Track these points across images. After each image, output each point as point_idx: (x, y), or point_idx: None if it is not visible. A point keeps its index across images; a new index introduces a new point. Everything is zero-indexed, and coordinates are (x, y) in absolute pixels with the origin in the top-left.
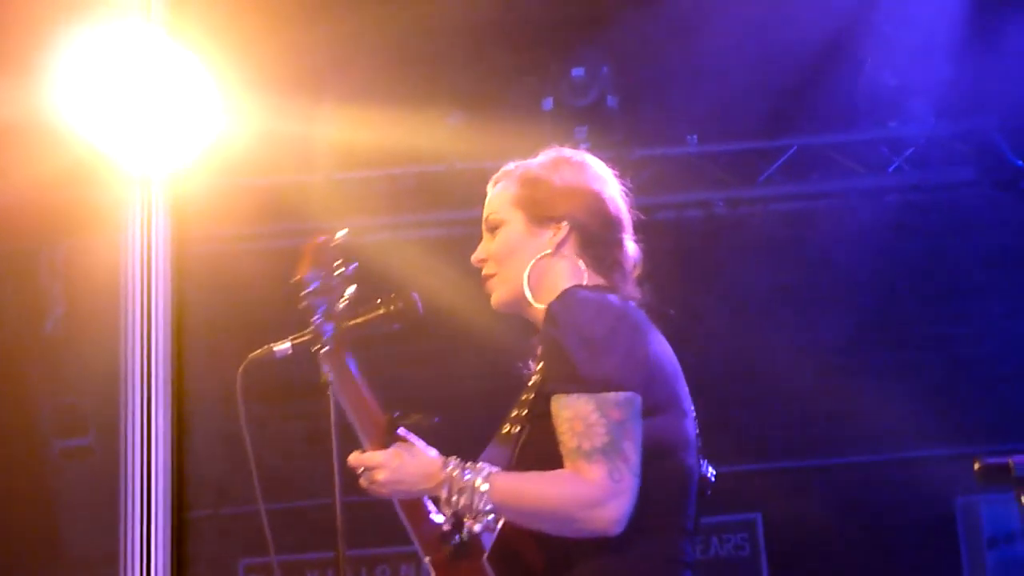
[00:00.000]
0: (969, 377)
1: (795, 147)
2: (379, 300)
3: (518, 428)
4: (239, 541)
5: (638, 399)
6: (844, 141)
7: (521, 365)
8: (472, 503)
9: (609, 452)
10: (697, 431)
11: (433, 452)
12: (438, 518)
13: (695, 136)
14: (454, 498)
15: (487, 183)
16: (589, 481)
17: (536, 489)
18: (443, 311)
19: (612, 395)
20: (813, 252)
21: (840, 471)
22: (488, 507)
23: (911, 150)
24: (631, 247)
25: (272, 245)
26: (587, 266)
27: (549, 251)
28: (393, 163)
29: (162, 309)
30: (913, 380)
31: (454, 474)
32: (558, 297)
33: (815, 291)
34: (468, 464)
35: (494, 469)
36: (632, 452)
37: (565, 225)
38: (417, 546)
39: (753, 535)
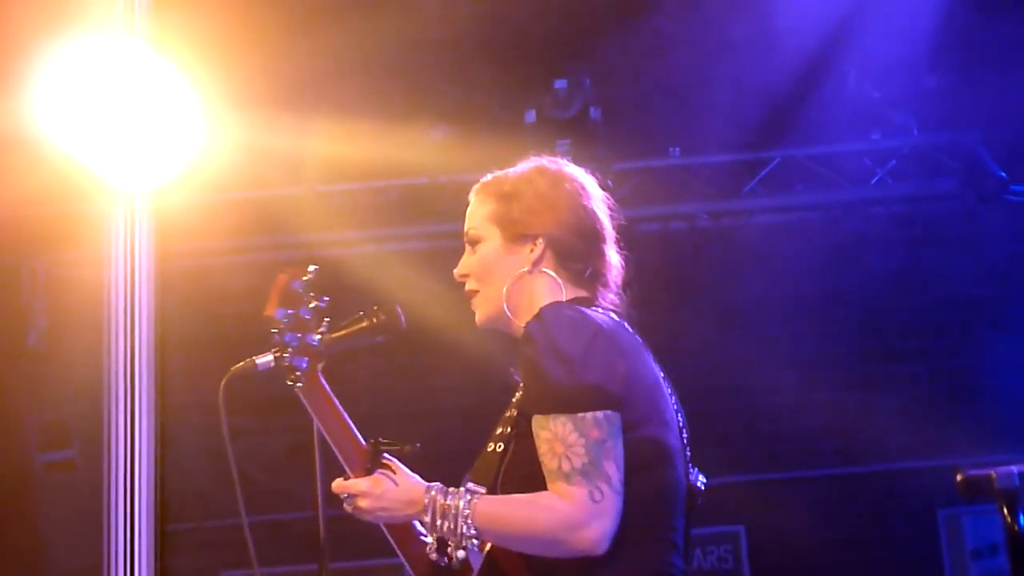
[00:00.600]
0: (951, 389)
1: (778, 159)
2: (362, 312)
3: (501, 447)
4: (221, 554)
5: (617, 416)
6: (827, 153)
7: (513, 371)
8: (456, 527)
9: (589, 473)
10: (685, 441)
11: (415, 478)
12: (426, 539)
13: (678, 148)
14: (438, 522)
15: (469, 195)
16: (570, 503)
17: (518, 513)
18: (426, 324)
19: (591, 415)
20: (796, 264)
21: (823, 483)
22: (472, 531)
23: (894, 162)
24: (614, 257)
25: (256, 258)
26: (566, 280)
27: (526, 269)
28: (376, 176)
29: (145, 323)
30: (895, 392)
31: (437, 499)
32: (535, 316)
33: (798, 303)
34: (451, 489)
35: (477, 493)
36: (613, 470)
37: (540, 242)
38: (407, 567)
39: (736, 547)
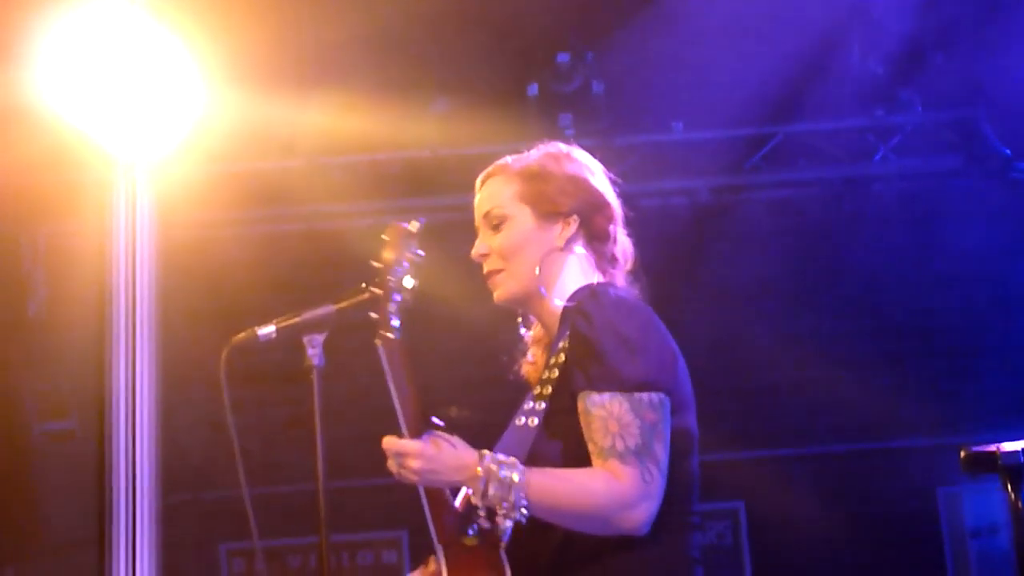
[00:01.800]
0: (952, 367)
1: (781, 135)
2: (364, 284)
3: (535, 421)
4: (221, 525)
5: (668, 400)
6: (830, 129)
7: (506, 359)
8: (508, 497)
9: (642, 454)
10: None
11: (465, 444)
12: (457, 507)
13: (680, 123)
14: (491, 492)
15: (472, 169)
16: (622, 482)
17: (571, 487)
18: (427, 297)
19: (647, 396)
20: (798, 240)
21: (823, 461)
22: (523, 503)
23: (898, 138)
24: (623, 239)
25: (256, 230)
26: (593, 262)
27: (559, 245)
28: (377, 149)
29: (146, 294)
30: (896, 370)
31: (491, 467)
32: (589, 294)
33: (799, 279)
34: (502, 459)
35: (527, 467)
36: (662, 454)
37: (575, 219)
38: (433, 533)
39: (736, 524)
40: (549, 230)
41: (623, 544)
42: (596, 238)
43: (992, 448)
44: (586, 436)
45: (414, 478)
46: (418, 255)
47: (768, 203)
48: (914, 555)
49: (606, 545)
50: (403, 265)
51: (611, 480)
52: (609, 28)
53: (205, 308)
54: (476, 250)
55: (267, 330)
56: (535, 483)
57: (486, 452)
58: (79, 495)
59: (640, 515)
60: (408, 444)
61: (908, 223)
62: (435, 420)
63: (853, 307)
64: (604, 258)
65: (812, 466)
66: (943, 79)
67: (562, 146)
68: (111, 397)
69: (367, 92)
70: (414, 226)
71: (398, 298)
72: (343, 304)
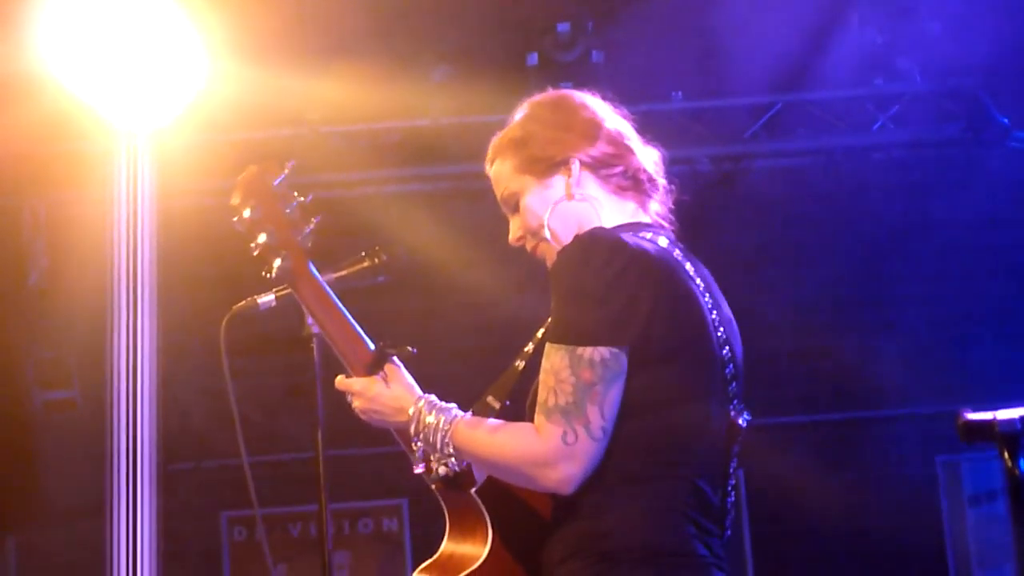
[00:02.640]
0: (951, 335)
1: (780, 104)
2: (363, 253)
3: (522, 364)
4: (222, 493)
5: (621, 358)
6: (829, 98)
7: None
8: (435, 443)
9: (569, 413)
10: (728, 376)
11: (411, 386)
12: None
13: (680, 93)
14: (420, 435)
15: (472, 138)
16: (542, 439)
17: (491, 440)
18: (427, 265)
19: (588, 351)
20: (797, 209)
21: (823, 428)
22: (449, 450)
23: (896, 108)
24: (644, 152)
25: None
26: (611, 192)
27: (570, 194)
28: (377, 118)
29: (147, 263)
30: (895, 338)
31: (423, 411)
32: (573, 240)
33: (798, 249)
34: (439, 404)
35: (460, 413)
36: (595, 415)
37: (575, 164)
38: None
39: (736, 491)
40: (553, 185)
41: (593, 493)
42: (604, 166)
43: (989, 416)
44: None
45: (363, 417)
46: (276, 192)
47: (768, 172)
48: (913, 522)
49: (576, 504)
50: (252, 203)
51: (532, 436)
52: None
53: (206, 277)
54: (511, 236)
55: (267, 299)
56: (460, 432)
57: (425, 396)
58: (81, 464)
59: (556, 474)
60: (351, 382)
61: (907, 192)
62: (393, 362)
63: (853, 276)
64: (626, 181)
65: (812, 434)
66: (942, 48)
67: (536, 96)
68: (112, 366)
69: (367, 61)
70: (258, 168)
71: (264, 233)
72: (342, 272)
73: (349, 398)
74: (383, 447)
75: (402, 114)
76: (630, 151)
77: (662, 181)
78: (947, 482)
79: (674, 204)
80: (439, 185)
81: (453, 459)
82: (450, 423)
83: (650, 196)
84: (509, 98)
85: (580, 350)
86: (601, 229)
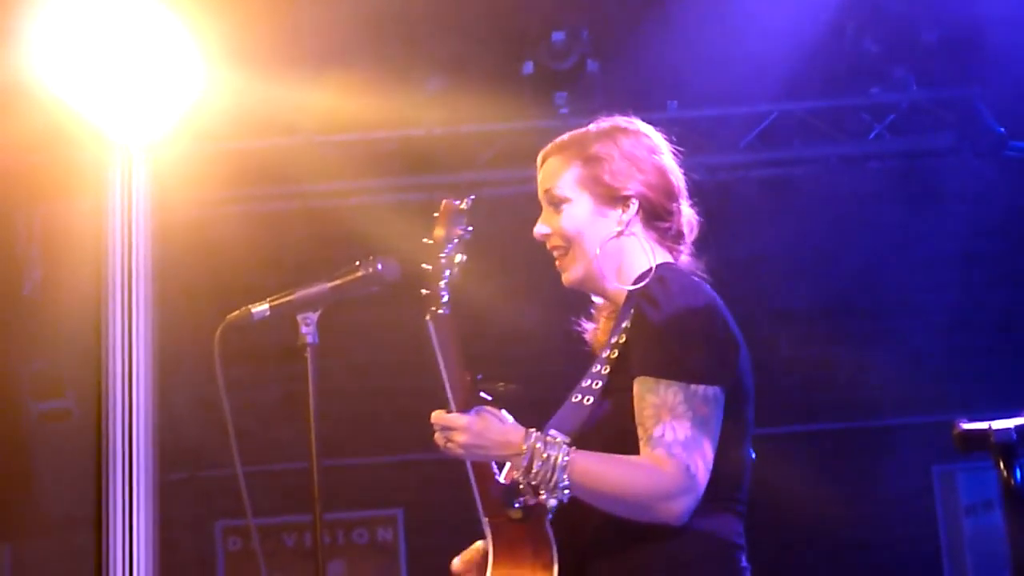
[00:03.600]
0: (947, 345)
1: (775, 113)
2: (358, 263)
3: (591, 400)
4: (217, 503)
5: (723, 396)
6: (825, 107)
7: (581, 324)
8: (551, 477)
9: (690, 447)
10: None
11: (514, 421)
12: (501, 480)
13: (675, 101)
14: (534, 469)
15: (467, 147)
16: (666, 473)
17: (615, 472)
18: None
19: (702, 389)
20: (793, 219)
21: (817, 438)
22: (565, 483)
23: (892, 117)
24: (687, 212)
25: (252, 209)
26: (654, 240)
27: (616, 230)
28: (372, 127)
29: (142, 273)
30: (891, 348)
31: (536, 446)
32: (657, 279)
33: (794, 258)
34: (549, 438)
35: (573, 447)
36: (710, 450)
37: (633, 203)
38: (479, 506)
39: None
40: (608, 215)
41: (667, 528)
42: (656, 217)
43: (984, 426)
44: (637, 420)
45: (460, 452)
46: (467, 231)
47: (763, 181)
48: (909, 532)
49: (649, 529)
50: (453, 242)
51: (655, 470)
52: (604, 6)
53: (201, 287)
54: (537, 229)
55: (261, 308)
56: (579, 465)
57: (533, 430)
58: (76, 474)
59: (679, 507)
60: (455, 418)
61: (903, 201)
62: (483, 395)
63: (848, 285)
64: (667, 235)
65: (807, 444)
66: (938, 57)
67: (621, 122)
68: (107, 376)
69: (362, 71)
70: (465, 203)
71: (448, 274)
72: (337, 282)
73: (442, 432)
74: (378, 457)
75: (397, 123)
76: (680, 210)
77: (692, 239)
78: (943, 492)
79: None
80: (434, 194)
81: (568, 492)
82: (567, 456)
83: (682, 252)
84: (504, 107)
85: (694, 387)
86: (681, 270)
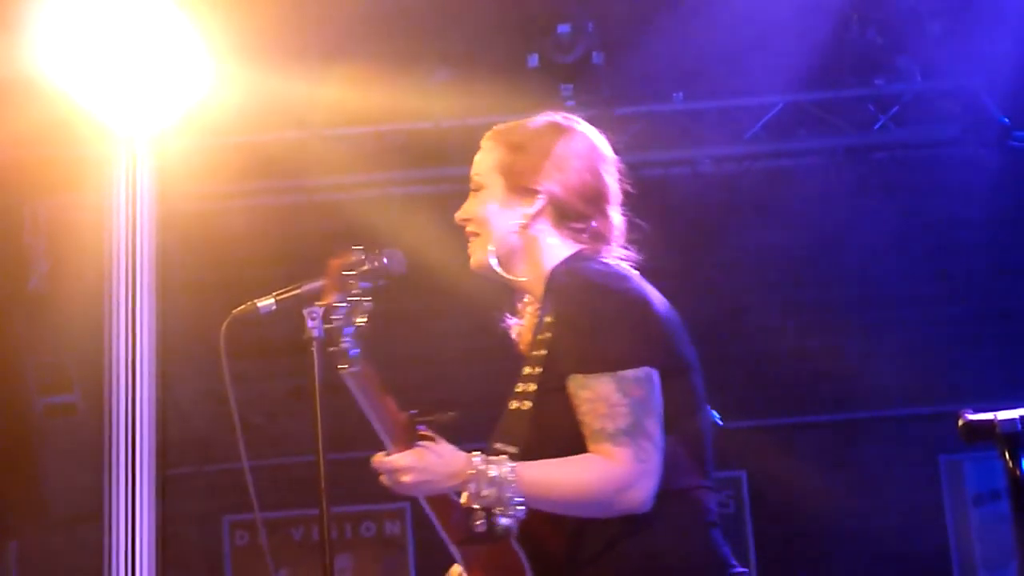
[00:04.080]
0: (952, 335)
1: (781, 104)
2: (364, 256)
3: (528, 404)
4: (223, 498)
5: (655, 371)
6: (830, 98)
7: (503, 317)
8: (501, 496)
9: (634, 432)
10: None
11: (455, 449)
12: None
13: (681, 93)
14: (484, 492)
15: (473, 140)
16: (617, 464)
17: (564, 477)
18: (428, 268)
19: (631, 372)
20: (798, 210)
21: (825, 429)
22: (518, 499)
23: (897, 108)
24: (616, 218)
25: (257, 202)
26: (568, 237)
27: (519, 222)
28: (379, 120)
29: (147, 267)
30: (897, 338)
31: (481, 468)
32: (565, 271)
33: (799, 249)
34: (492, 457)
35: (515, 462)
36: (655, 428)
37: (541, 198)
38: (444, 536)
39: (738, 492)
40: (516, 205)
41: (634, 520)
42: (568, 218)
43: (990, 416)
44: (579, 419)
45: (410, 491)
46: (359, 286)
47: (769, 172)
48: (916, 522)
49: (618, 526)
50: (345, 303)
51: (605, 464)
52: None
53: (207, 281)
54: (458, 213)
55: (267, 302)
56: (527, 477)
57: (476, 453)
58: (81, 468)
59: (639, 494)
60: (396, 460)
61: (908, 192)
62: (421, 429)
63: (854, 276)
64: (580, 235)
65: (814, 434)
66: (942, 48)
67: (560, 119)
68: (113, 370)
69: (369, 64)
70: (350, 258)
71: (350, 331)
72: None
73: (388, 475)
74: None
75: (404, 116)
76: (603, 214)
77: (617, 244)
78: (950, 482)
79: (675, 205)
80: (442, 187)
81: (521, 508)
82: (513, 471)
83: (605, 252)
84: (510, 99)
85: (622, 372)
86: (581, 263)
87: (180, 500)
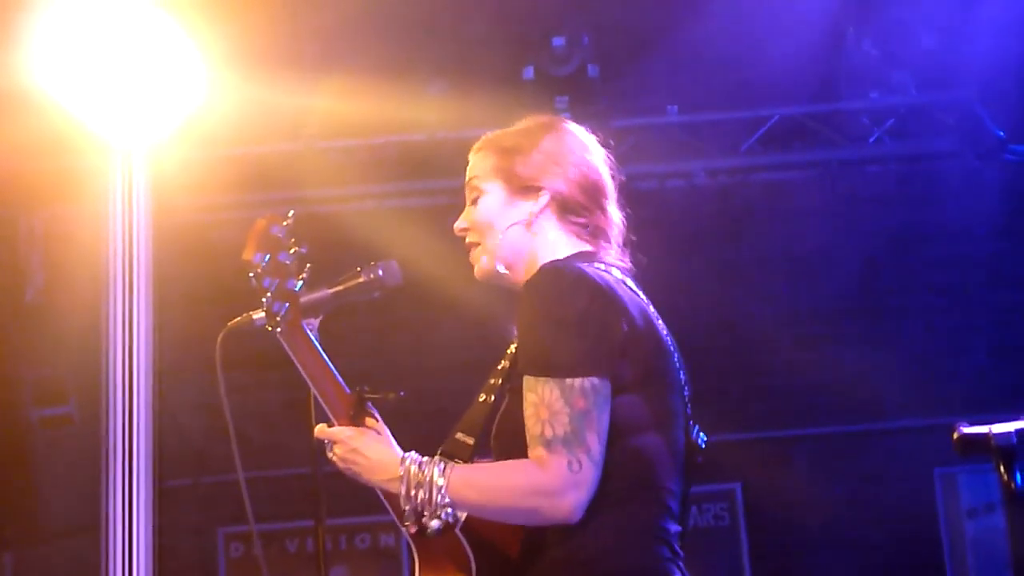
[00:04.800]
0: (948, 347)
1: (776, 117)
2: (359, 268)
3: (492, 398)
4: (219, 510)
5: (606, 384)
6: (825, 111)
7: (512, 324)
8: (430, 497)
9: (570, 442)
10: (687, 399)
11: (394, 446)
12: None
13: (676, 106)
14: (412, 492)
15: (468, 152)
16: (547, 471)
17: (493, 480)
18: (424, 280)
19: (579, 382)
20: (793, 222)
21: (819, 441)
22: (446, 500)
23: (892, 121)
24: (615, 214)
25: (253, 215)
26: (567, 234)
27: (524, 220)
28: (374, 132)
29: (143, 279)
30: (892, 350)
31: (411, 469)
32: (536, 273)
33: (795, 261)
34: (425, 459)
35: (450, 463)
36: (594, 442)
37: (544, 195)
38: (396, 520)
39: (732, 505)
40: (518, 205)
41: (575, 527)
42: (571, 212)
43: (985, 430)
44: (524, 420)
45: (340, 466)
46: (288, 246)
47: (764, 185)
48: (910, 535)
49: (559, 531)
50: (265, 258)
51: (535, 470)
52: (605, 11)
53: (202, 292)
54: (457, 223)
55: (262, 315)
56: (456, 481)
57: (410, 453)
58: (77, 480)
59: (566, 504)
60: (335, 431)
61: (903, 205)
62: (370, 408)
63: (850, 288)
64: (585, 230)
65: (809, 447)
66: (937, 61)
67: (548, 120)
68: (108, 382)
69: (364, 76)
70: (280, 220)
71: (273, 289)
72: (339, 287)
73: (328, 448)
74: None
75: (399, 128)
76: (602, 209)
77: (617, 242)
78: (945, 494)
79: (671, 217)
80: (436, 199)
81: (450, 510)
82: (443, 475)
83: (607, 247)
84: (505, 112)
85: (570, 381)
86: (560, 262)
87: (176, 512)
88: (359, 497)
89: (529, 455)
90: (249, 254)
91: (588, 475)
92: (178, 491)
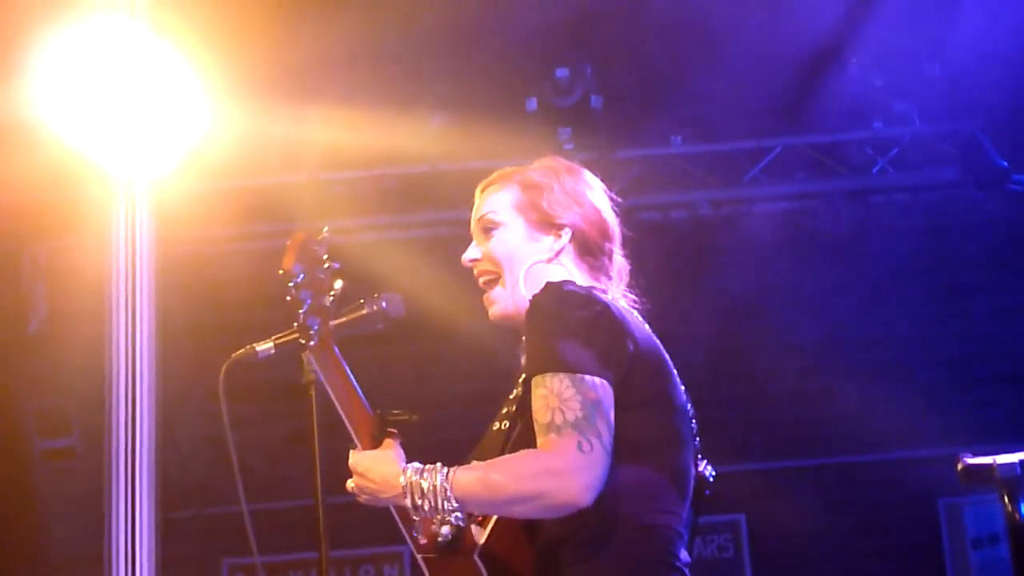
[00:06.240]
0: (952, 378)
1: (779, 148)
2: (362, 300)
3: (507, 424)
4: (222, 541)
5: (611, 392)
6: (829, 142)
7: (520, 354)
8: (436, 504)
9: (581, 425)
10: (694, 431)
11: (397, 458)
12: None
13: (679, 137)
14: (418, 501)
15: (471, 184)
16: (555, 452)
17: (498, 471)
18: (427, 311)
19: (588, 378)
20: (797, 252)
21: (824, 472)
22: (453, 504)
23: (895, 151)
24: (619, 259)
25: (256, 246)
26: (585, 271)
27: (548, 256)
28: (377, 164)
29: (146, 310)
30: (896, 381)
31: (413, 479)
32: (544, 288)
33: (799, 291)
34: (427, 467)
35: (453, 468)
36: (605, 431)
37: (567, 231)
38: (411, 545)
39: (737, 536)
40: (540, 240)
41: (592, 547)
42: (589, 252)
43: (989, 461)
44: (533, 420)
45: (360, 499)
46: (324, 262)
47: (768, 215)
48: (915, 565)
49: (575, 551)
50: (302, 273)
51: (541, 454)
52: (608, 43)
53: (206, 324)
54: (467, 255)
55: (266, 346)
56: (460, 482)
57: (408, 465)
58: (81, 512)
59: (575, 484)
60: (351, 464)
61: (907, 235)
62: (391, 429)
63: (852, 318)
64: (596, 271)
65: (814, 477)
66: (940, 91)
67: (563, 161)
68: (112, 414)
69: (367, 108)
70: (317, 235)
71: (307, 298)
72: (341, 320)
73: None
74: None
75: (402, 160)
76: (610, 252)
77: (624, 281)
78: (950, 525)
79: (674, 247)
80: (439, 230)
81: (457, 514)
82: (446, 476)
83: (612, 286)
84: (508, 143)
85: (579, 376)
86: (571, 282)
87: (179, 543)
88: (363, 529)
89: (538, 445)
90: (288, 263)
91: (599, 457)
92: (182, 522)
